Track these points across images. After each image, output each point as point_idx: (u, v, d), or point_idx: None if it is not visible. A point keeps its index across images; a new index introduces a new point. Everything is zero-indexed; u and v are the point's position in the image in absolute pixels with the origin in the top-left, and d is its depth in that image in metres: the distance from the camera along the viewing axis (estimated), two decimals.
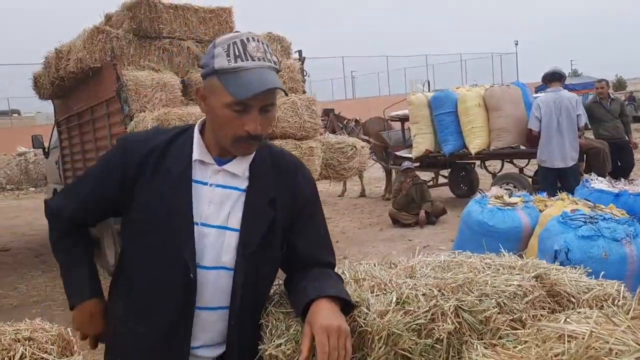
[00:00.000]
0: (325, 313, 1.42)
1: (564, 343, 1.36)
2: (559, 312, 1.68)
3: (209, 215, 1.52)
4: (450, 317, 1.58)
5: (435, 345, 1.55)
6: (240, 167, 1.55)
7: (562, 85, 6.95)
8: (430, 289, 1.68)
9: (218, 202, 1.53)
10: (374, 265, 2.05)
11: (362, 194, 11.41)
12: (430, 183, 9.68)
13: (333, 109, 13.23)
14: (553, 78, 6.90)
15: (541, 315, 1.64)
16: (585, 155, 7.49)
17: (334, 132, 9.70)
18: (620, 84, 39.56)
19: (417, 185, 8.20)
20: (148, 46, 5.71)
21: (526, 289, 1.69)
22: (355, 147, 5.54)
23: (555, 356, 1.30)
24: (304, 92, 6.16)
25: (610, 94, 8.55)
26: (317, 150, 5.24)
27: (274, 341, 1.51)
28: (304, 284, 1.56)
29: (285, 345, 1.50)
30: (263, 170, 1.58)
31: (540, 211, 3.50)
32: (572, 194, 4.88)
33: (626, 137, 8.23)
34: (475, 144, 8.33)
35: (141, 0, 5.56)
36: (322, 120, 9.93)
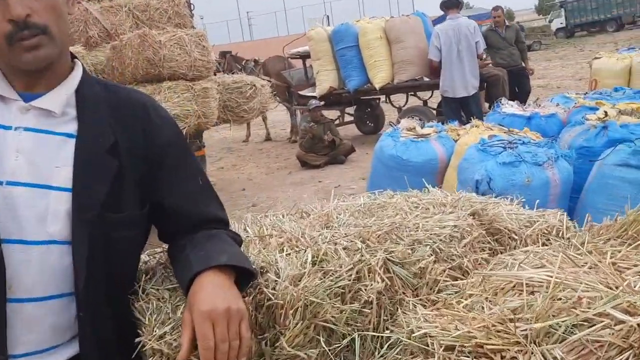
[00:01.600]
0: (208, 292, 1.08)
1: (520, 294, 1.11)
2: (502, 253, 1.43)
3: (17, 170, 1.08)
4: (379, 274, 1.29)
5: (363, 310, 1.26)
6: (56, 101, 1.13)
7: (459, 12, 6.82)
8: (352, 241, 1.38)
9: (30, 151, 1.10)
10: (283, 217, 1.71)
11: (268, 138, 10.98)
12: (337, 122, 9.44)
13: (230, 50, 12.49)
14: (451, 4, 6.75)
15: (483, 259, 1.38)
16: (485, 83, 7.51)
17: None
18: (509, 15, 41.20)
19: (324, 125, 7.92)
20: None
21: (463, 229, 1.42)
22: (254, 86, 5.09)
23: (514, 312, 1.03)
24: (193, 27, 5.55)
25: (506, 22, 8.60)
26: (213, 92, 4.73)
27: (156, 331, 1.14)
28: (187, 253, 1.20)
29: (171, 334, 1.13)
30: (96, 109, 1.17)
31: (455, 141, 3.32)
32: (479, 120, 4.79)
33: (522, 64, 8.36)
34: (379, 78, 8.12)
35: None
36: (218, 62, 9.30)
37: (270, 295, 1.18)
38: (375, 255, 1.30)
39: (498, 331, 1.00)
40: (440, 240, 1.39)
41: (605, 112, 2.95)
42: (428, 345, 1.04)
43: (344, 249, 1.34)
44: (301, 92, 9.51)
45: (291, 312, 1.17)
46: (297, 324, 1.16)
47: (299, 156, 8.05)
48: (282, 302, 1.17)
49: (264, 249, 1.43)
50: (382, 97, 9.31)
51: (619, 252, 1.21)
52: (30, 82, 1.12)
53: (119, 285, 1.22)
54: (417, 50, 7.99)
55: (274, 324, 1.19)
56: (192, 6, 5.55)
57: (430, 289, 1.33)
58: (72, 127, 1.14)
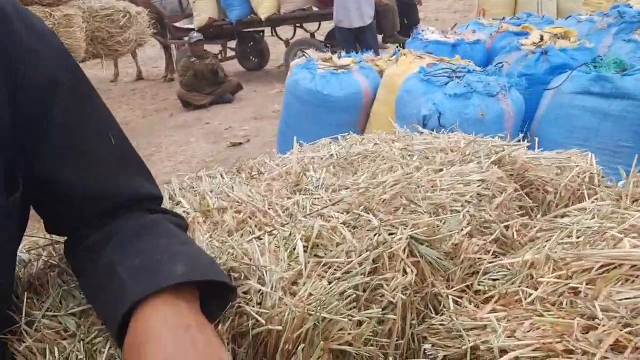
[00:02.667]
0: (164, 347, 0.58)
1: (627, 280, 0.76)
2: (542, 213, 1.08)
3: None
4: (403, 260, 0.87)
5: (386, 314, 0.85)
6: None
7: None
8: (352, 212, 0.94)
9: None
10: (223, 177, 1.22)
11: (139, 77, 9.84)
12: (219, 57, 8.65)
13: None
14: None
15: (523, 226, 1.02)
16: (375, 13, 7.19)
17: None
18: None
19: (207, 60, 7.16)
20: None
21: (493, 184, 1.03)
22: (128, 13, 4.26)
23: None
24: None
25: None
26: (77, 19, 3.85)
27: None
28: (110, 262, 0.69)
29: None
30: None
31: (379, 72, 2.94)
32: (375, 53, 4.47)
33: None
34: (264, 7, 7.46)
35: None
36: None
37: (258, 318, 0.72)
38: (395, 233, 0.88)
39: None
40: (467, 201, 1.00)
41: (541, 37, 2.73)
42: None
43: (346, 225, 0.91)
44: (177, 24, 8.54)
45: (293, 337, 0.73)
46: (300, 356, 0.72)
47: (180, 96, 7.27)
48: (278, 326, 0.72)
49: (214, 230, 0.96)
50: (267, 29, 8.66)
51: None
52: None
53: None
54: None
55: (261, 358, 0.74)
56: None
57: (467, 274, 0.94)
58: None
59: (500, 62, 2.66)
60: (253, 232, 0.92)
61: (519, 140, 1.34)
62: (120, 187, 0.77)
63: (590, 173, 1.17)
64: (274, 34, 8.64)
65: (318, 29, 8.36)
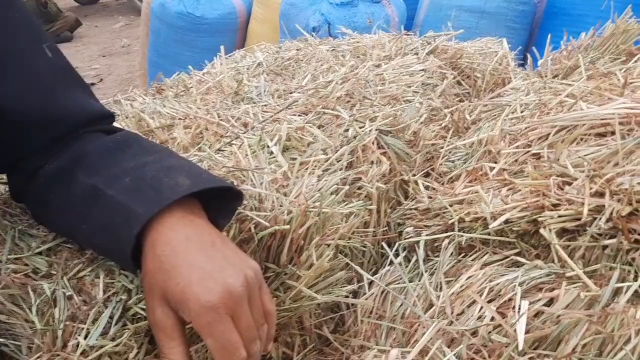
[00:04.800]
0: (195, 264, 0.54)
1: (582, 139, 0.84)
2: (475, 98, 1.14)
3: None
4: (375, 152, 0.88)
5: (367, 207, 0.86)
6: None
7: None
8: (317, 111, 0.92)
9: None
10: (144, 98, 1.12)
11: None
12: None
13: None
14: None
15: (461, 107, 1.07)
16: None
17: None
18: None
19: None
20: None
21: (435, 72, 1.06)
22: None
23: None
24: None
25: None
26: None
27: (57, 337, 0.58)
28: (94, 186, 0.60)
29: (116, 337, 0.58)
30: None
31: None
32: None
33: None
34: None
35: None
36: None
37: (262, 221, 0.68)
38: (363, 127, 0.88)
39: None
40: (415, 91, 1.02)
41: None
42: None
43: (312, 123, 0.88)
44: None
45: (298, 237, 0.71)
46: (317, 252, 0.71)
47: None
48: (286, 226, 0.69)
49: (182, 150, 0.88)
50: None
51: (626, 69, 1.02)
52: None
53: None
54: None
55: (275, 264, 0.71)
56: None
57: (426, 160, 0.98)
58: None
59: None
60: (213, 144, 0.86)
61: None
62: (69, 106, 0.66)
63: (507, 58, 1.25)
64: None
65: None
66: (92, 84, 5.11)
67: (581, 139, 0.83)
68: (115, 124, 0.91)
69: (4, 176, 0.72)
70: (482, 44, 1.24)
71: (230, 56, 1.30)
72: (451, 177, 0.92)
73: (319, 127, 0.88)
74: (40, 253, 0.66)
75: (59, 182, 0.63)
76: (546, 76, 1.09)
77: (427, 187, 0.90)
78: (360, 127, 0.87)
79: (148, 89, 1.21)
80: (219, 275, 0.53)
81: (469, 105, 1.05)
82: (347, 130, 0.85)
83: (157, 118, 0.95)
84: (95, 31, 6.91)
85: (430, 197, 0.86)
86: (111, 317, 0.59)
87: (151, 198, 0.57)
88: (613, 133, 0.80)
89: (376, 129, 0.87)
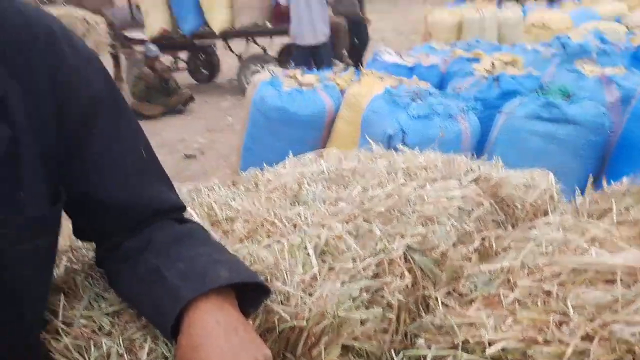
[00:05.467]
0: (221, 344, 0.68)
1: (591, 283, 0.91)
2: (510, 225, 1.23)
3: None
4: (401, 265, 0.99)
5: (386, 314, 0.96)
6: None
7: None
8: (353, 223, 1.05)
9: None
10: (221, 188, 1.30)
11: None
12: (170, 68, 8.59)
13: None
14: None
15: (498, 237, 1.15)
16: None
17: None
18: None
19: (161, 72, 7.13)
20: None
21: (472, 200, 1.17)
22: (87, 22, 4.22)
23: (609, 308, 0.82)
24: None
25: None
26: None
27: None
28: (153, 264, 0.77)
29: None
30: None
31: (341, 90, 3.07)
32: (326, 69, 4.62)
33: (361, 14, 8.40)
34: (217, 21, 7.50)
35: None
36: None
37: (285, 315, 0.81)
38: (393, 242, 1.00)
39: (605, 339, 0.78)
40: (450, 214, 1.13)
41: (492, 63, 2.95)
42: None
43: (350, 233, 1.01)
44: (127, 34, 8.44)
45: (314, 333, 0.83)
46: (327, 350, 0.82)
47: (131, 106, 7.18)
48: (303, 322, 0.81)
49: (226, 237, 1.04)
50: (219, 42, 8.69)
51: None
52: None
53: (23, 320, 0.76)
54: None
55: (292, 354, 0.83)
56: None
57: (450, 280, 1.07)
58: None
59: (458, 87, 2.86)
60: (263, 240, 1.01)
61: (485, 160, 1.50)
62: (151, 198, 0.84)
63: (551, 191, 1.33)
64: (227, 47, 8.68)
65: (270, 44, 8.49)
66: (194, 155, 5.60)
67: (590, 282, 0.90)
68: (190, 211, 1.10)
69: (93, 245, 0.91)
70: (527, 176, 1.34)
71: (300, 158, 1.48)
72: (470, 299, 1.01)
73: (355, 237, 1.02)
74: (107, 314, 0.83)
75: (131, 259, 0.80)
76: (581, 215, 1.17)
77: (446, 305, 0.99)
78: (389, 243, 0.99)
79: (240, 172, 1.40)
80: (233, 357, 0.66)
81: (501, 233, 1.14)
82: (377, 243, 0.98)
83: (225, 210, 1.13)
84: (205, 107, 7.59)
85: (445, 315, 0.95)
86: None
87: (195, 284, 0.72)
88: (621, 280, 0.86)
89: (405, 246, 0.98)
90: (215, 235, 1.04)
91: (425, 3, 19.20)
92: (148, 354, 0.76)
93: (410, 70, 3.43)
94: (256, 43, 8.52)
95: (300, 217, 1.09)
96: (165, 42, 8.05)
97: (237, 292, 0.76)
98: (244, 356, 0.67)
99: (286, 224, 1.06)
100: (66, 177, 0.75)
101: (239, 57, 8.31)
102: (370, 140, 1.76)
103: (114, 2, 9.49)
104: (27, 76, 0.69)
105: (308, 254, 0.94)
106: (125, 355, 0.77)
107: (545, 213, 1.25)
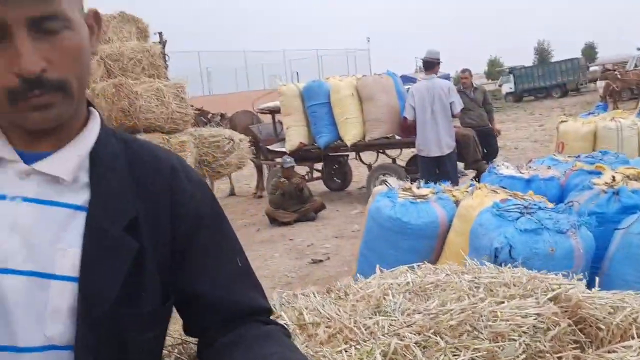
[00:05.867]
0: None
1: None
2: (592, 348, 1.22)
3: (10, 253, 0.83)
4: None
5: None
6: (65, 164, 0.89)
7: (435, 74, 6.88)
8: (422, 334, 1.13)
9: (27, 229, 0.85)
10: (315, 296, 1.46)
11: (232, 193, 10.64)
12: (306, 177, 9.25)
13: (192, 104, 12.26)
14: (428, 66, 6.84)
15: (575, 358, 1.16)
16: (456, 143, 7.53)
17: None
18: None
19: (296, 182, 7.72)
20: None
21: (548, 318, 1.20)
22: (232, 140, 4.86)
23: None
24: (167, 79, 5.32)
25: (473, 83, 8.78)
26: (190, 145, 4.47)
27: None
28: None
29: None
30: (114, 174, 0.93)
31: (455, 203, 3.17)
32: (452, 181, 4.70)
33: (490, 125, 8.49)
34: (350, 135, 8.04)
35: None
36: None
37: None
38: (458, 355, 1.07)
39: None
40: (523, 332, 1.17)
41: (613, 177, 2.88)
42: None
43: (418, 344, 1.10)
44: (270, 147, 9.32)
45: None
46: None
47: (268, 212, 7.77)
48: None
49: (309, 340, 1.18)
50: (351, 154, 9.22)
51: None
52: (34, 139, 0.88)
53: None
54: (388, 108, 7.99)
55: None
56: (167, 57, 5.35)
57: None
58: (83, 198, 0.88)
59: (571, 201, 2.82)
60: (341, 345, 1.13)
61: (580, 279, 1.50)
62: (244, 301, 1.02)
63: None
64: (357, 158, 9.17)
65: (399, 155, 8.82)
66: (320, 260, 5.86)
67: None
68: (283, 314, 1.27)
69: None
70: (616, 297, 1.32)
71: (392, 270, 1.60)
72: None
73: (424, 348, 1.10)
74: None
75: (223, 353, 0.97)
76: None
77: None
78: (454, 355, 1.06)
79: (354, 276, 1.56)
80: None
81: (579, 354, 1.14)
82: (442, 355, 1.06)
83: (313, 315, 1.28)
84: (335, 214, 7.94)
85: None
86: None
87: None
88: None
89: (469, 358, 1.05)
90: (300, 337, 1.19)
91: (563, 112, 18.77)
92: None
93: (527, 183, 3.42)
94: (385, 154, 8.91)
95: (377, 325, 1.20)
96: (302, 154, 8.74)
97: None
98: None
99: (363, 331, 1.18)
100: (175, 279, 0.97)
101: (369, 166, 8.71)
102: (472, 257, 1.83)
103: (261, 119, 10.60)
104: (152, 199, 0.94)
105: None
106: None
107: (633, 337, 1.22)
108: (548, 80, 31.02)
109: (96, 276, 0.85)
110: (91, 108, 0.98)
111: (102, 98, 4.25)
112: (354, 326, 1.20)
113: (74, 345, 0.84)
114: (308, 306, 1.35)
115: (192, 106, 4.89)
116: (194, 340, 1.18)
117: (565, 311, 1.25)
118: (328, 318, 1.25)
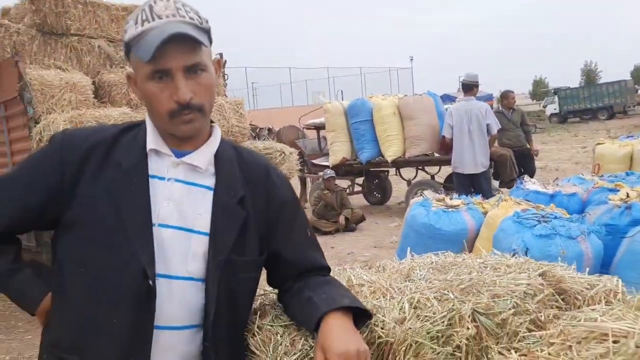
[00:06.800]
0: (339, 334, 1.24)
1: (602, 342, 1.30)
2: (568, 310, 1.62)
3: (167, 214, 1.29)
4: (468, 322, 1.46)
5: (455, 352, 1.43)
6: (202, 158, 1.35)
7: (474, 96, 7.23)
8: (441, 292, 1.56)
9: (178, 199, 1.31)
10: (360, 269, 1.90)
11: None
12: (347, 191, 9.71)
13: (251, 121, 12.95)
14: (466, 88, 7.20)
15: (554, 315, 1.57)
16: (493, 162, 7.84)
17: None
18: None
19: (337, 193, 8.18)
20: (54, 44, 5.17)
21: (535, 287, 1.61)
22: (283, 152, 5.37)
23: (601, 357, 1.22)
24: (225, 95, 5.89)
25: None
26: None
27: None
28: (308, 295, 1.37)
29: None
30: (229, 167, 1.39)
31: (483, 213, 3.55)
32: (485, 197, 5.04)
33: (527, 145, 8.74)
34: (391, 151, 8.47)
35: None
36: None
37: (382, 334, 1.35)
38: (464, 305, 1.49)
39: None
40: (516, 295, 1.58)
41: (627, 194, 3.21)
42: None
43: (435, 298, 1.53)
44: (314, 161, 9.83)
45: (400, 349, 1.35)
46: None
47: (311, 222, 8.22)
48: (392, 340, 1.34)
49: (358, 294, 1.61)
50: (391, 170, 9.62)
51: None
52: (181, 142, 1.35)
53: (238, 320, 1.40)
54: (428, 127, 8.38)
55: None
56: (225, 76, 5.93)
57: (510, 339, 1.50)
58: (211, 181, 1.36)
59: (585, 213, 3.16)
60: (379, 298, 1.57)
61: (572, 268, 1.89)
62: (311, 261, 1.48)
63: (615, 291, 1.68)
64: (397, 173, 9.56)
65: (438, 172, 9.17)
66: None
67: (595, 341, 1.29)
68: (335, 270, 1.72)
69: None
70: (595, 279, 1.71)
71: (421, 256, 2.03)
72: (522, 353, 1.43)
73: (439, 300, 1.52)
74: (281, 325, 1.44)
75: (297, 294, 1.42)
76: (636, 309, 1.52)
77: (501, 354, 1.43)
78: (461, 306, 1.48)
79: None
80: (346, 343, 1.22)
81: (555, 312, 1.54)
82: (452, 304, 1.48)
83: (358, 279, 1.72)
84: (374, 226, 8.34)
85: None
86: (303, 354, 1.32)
87: (330, 305, 1.31)
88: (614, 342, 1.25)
89: (471, 308, 1.47)
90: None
91: (608, 135, 18.66)
92: (302, 346, 1.35)
93: (551, 198, 3.76)
94: (425, 170, 9.29)
95: (407, 288, 1.64)
96: (344, 168, 9.21)
97: (353, 314, 1.33)
98: (352, 343, 1.22)
99: (396, 290, 1.62)
100: (267, 241, 1.42)
101: (408, 182, 9.10)
102: (497, 252, 2.22)
103: (307, 135, 11.16)
104: (254, 186, 1.40)
105: (403, 306, 1.48)
106: (289, 346, 1.37)
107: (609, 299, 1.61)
108: (594, 102, 30.63)
109: (220, 233, 1.32)
110: (213, 124, 1.46)
111: None
112: (390, 287, 1.64)
113: (204, 278, 1.31)
114: (356, 275, 1.79)
115: (251, 122, 5.42)
116: (272, 290, 1.63)
117: (550, 284, 1.66)
118: (370, 282, 1.69)
